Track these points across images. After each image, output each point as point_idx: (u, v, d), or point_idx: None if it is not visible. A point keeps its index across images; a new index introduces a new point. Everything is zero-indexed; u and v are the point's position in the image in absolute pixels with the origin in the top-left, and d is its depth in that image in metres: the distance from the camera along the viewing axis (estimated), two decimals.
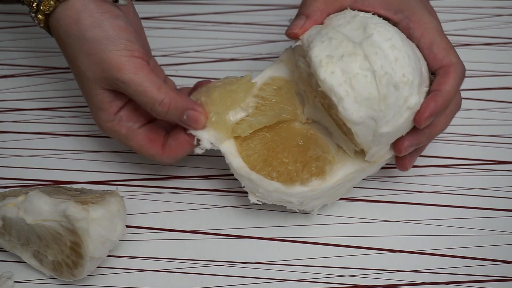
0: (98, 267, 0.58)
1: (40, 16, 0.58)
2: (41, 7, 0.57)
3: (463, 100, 0.60)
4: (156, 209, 0.64)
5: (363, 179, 0.63)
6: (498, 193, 0.65)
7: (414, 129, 0.57)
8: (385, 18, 0.58)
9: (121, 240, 0.59)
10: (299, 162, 0.58)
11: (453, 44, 0.59)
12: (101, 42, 0.56)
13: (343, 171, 0.58)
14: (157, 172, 0.66)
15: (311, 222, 0.63)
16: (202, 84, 0.62)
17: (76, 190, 0.61)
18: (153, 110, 0.57)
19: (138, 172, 0.66)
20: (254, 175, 0.57)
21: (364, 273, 0.60)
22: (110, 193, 0.58)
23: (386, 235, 0.62)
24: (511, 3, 0.80)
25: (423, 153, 0.63)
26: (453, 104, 0.58)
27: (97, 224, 0.55)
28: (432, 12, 0.60)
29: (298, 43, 0.58)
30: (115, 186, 0.65)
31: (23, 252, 0.59)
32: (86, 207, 0.55)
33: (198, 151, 0.59)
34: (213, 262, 0.61)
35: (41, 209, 0.56)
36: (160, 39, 0.76)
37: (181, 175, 0.65)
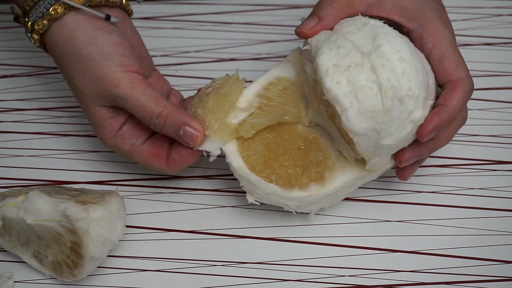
0: (98, 267, 0.58)
1: (35, 36, 0.58)
2: (35, 27, 0.57)
3: None
4: (156, 209, 0.64)
5: None
6: (498, 193, 0.65)
7: (416, 141, 0.57)
8: (399, 25, 0.58)
9: (121, 240, 0.59)
10: (299, 166, 0.58)
11: None
12: (96, 59, 0.56)
13: (342, 178, 0.58)
14: (157, 172, 0.66)
15: (311, 222, 0.63)
16: (189, 100, 0.62)
17: (76, 190, 0.61)
18: (151, 123, 0.57)
19: (138, 172, 0.66)
20: (253, 177, 0.57)
21: (364, 273, 0.60)
22: (110, 193, 0.58)
23: (386, 235, 0.62)
24: (511, 3, 0.80)
25: None
26: (458, 119, 0.58)
27: (97, 224, 0.55)
28: (447, 24, 0.59)
29: (307, 47, 0.57)
30: (115, 186, 0.65)
31: (23, 252, 0.59)
32: (86, 207, 0.55)
33: (210, 159, 0.59)
34: (213, 262, 0.61)
35: (41, 209, 0.56)
36: (160, 39, 0.76)
37: (181, 175, 0.65)
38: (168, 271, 0.60)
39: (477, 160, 0.67)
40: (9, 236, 0.59)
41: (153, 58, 0.66)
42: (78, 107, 0.71)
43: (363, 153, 0.56)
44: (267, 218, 0.63)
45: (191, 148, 0.58)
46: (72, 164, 0.67)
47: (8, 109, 0.71)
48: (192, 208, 0.64)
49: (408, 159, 0.57)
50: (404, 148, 0.57)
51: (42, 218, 0.56)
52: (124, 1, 0.61)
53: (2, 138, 0.69)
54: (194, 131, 0.57)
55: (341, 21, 0.58)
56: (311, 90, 0.59)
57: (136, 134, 0.60)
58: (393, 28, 0.56)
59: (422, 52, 0.57)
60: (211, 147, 0.58)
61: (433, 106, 0.56)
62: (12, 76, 0.74)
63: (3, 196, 0.60)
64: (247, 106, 0.60)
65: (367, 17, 0.57)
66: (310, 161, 0.58)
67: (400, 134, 0.54)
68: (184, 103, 0.64)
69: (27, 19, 0.58)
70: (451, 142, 0.61)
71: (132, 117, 0.59)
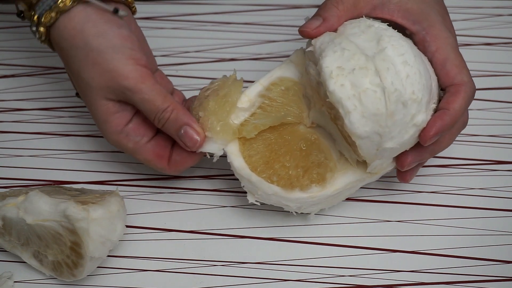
0: (98, 267, 0.58)
1: (41, 29, 0.58)
2: (42, 20, 0.57)
3: None
4: (156, 209, 0.64)
5: None
6: (498, 193, 0.65)
7: (418, 145, 0.57)
8: (402, 27, 0.58)
9: (121, 240, 0.59)
10: (301, 167, 0.58)
11: None
12: (106, 52, 0.56)
13: (343, 180, 0.58)
14: (157, 172, 0.66)
15: (311, 222, 0.63)
16: (191, 100, 0.62)
17: (76, 190, 0.61)
18: (156, 118, 0.57)
19: (138, 172, 0.66)
20: (254, 177, 0.57)
21: (364, 273, 0.60)
22: (110, 193, 0.58)
23: (386, 235, 0.62)
24: (511, 3, 0.80)
25: None
26: (459, 122, 0.58)
27: (97, 224, 0.55)
28: (450, 28, 0.59)
29: (310, 48, 0.57)
30: (115, 186, 0.65)
31: (23, 252, 0.59)
32: (86, 207, 0.55)
33: (214, 160, 0.59)
34: (213, 262, 0.61)
35: (41, 209, 0.56)
36: (160, 39, 0.76)
37: (181, 175, 0.65)
38: (168, 271, 0.60)
39: (477, 160, 0.67)
40: (9, 236, 0.59)
41: None
42: (78, 107, 0.71)
43: (365, 156, 0.56)
44: (267, 218, 0.63)
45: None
46: (72, 164, 0.67)
47: (8, 109, 0.71)
48: (192, 208, 0.64)
49: (410, 163, 0.57)
50: (406, 152, 0.57)
51: (42, 218, 0.56)
52: None
53: (2, 138, 0.69)
54: (194, 134, 0.57)
55: (345, 22, 0.58)
56: (314, 92, 0.59)
57: (142, 132, 0.60)
58: (396, 31, 0.56)
59: (425, 55, 0.57)
60: (215, 148, 0.58)
61: (436, 110, 0.56)
62: (12, 76, 0.74)
63: (3, 196, 0.60)
64: (249, 106, 0.60)
65: (371, 19, 0.57)
66: (312, 162, 0.58)
67: (402, 138, 0.55)
68: (186, 104, 0.64)
69: (33, 13, 0.58)
70: None
71: (138, 115, 0.59)
